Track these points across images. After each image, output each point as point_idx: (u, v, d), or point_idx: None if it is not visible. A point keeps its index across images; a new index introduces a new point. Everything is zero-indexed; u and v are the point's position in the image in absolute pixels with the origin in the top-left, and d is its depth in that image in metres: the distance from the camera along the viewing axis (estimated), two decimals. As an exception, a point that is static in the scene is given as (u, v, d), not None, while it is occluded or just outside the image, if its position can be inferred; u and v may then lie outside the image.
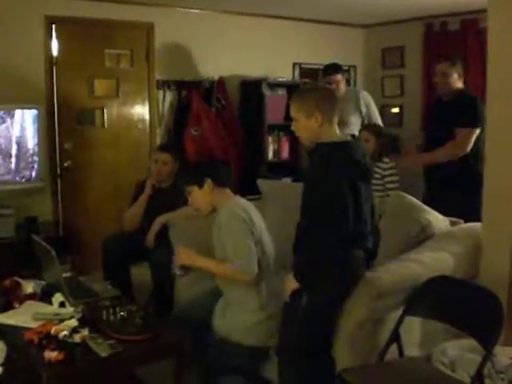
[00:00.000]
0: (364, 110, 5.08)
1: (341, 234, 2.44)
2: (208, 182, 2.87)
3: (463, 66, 4.29)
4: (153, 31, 5.45)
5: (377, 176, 4.32)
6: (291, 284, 2.56)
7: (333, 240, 2.43)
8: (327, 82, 5.13)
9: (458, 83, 4.23)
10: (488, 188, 3.07)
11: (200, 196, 2.91)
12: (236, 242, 2.73)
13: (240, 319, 2.82)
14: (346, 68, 6.83)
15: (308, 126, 2.59)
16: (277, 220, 3.65)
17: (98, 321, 2.64)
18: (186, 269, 2.97)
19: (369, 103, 5.14)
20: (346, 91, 5.18)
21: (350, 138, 2.67)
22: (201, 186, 2.88)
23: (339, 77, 5.12)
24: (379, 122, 5.15)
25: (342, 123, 4.81)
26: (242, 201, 2.91)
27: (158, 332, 2.57)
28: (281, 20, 6.29)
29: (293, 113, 2.64)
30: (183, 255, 2.95)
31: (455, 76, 4.22)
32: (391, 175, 4.30)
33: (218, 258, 2.85)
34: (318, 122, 2.56)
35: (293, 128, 2.69)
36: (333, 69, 5.17)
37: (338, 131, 2.64)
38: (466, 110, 4.02)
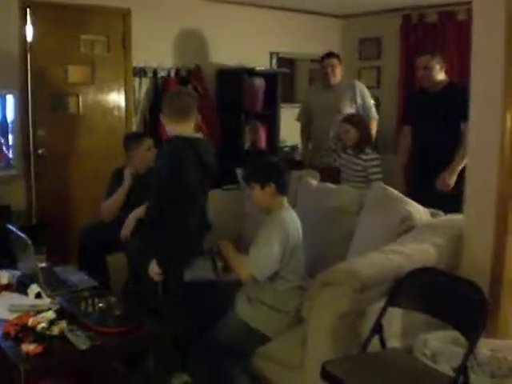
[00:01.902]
0: (359, 101, 5.03)
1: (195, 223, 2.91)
2: (271, 186, 2.92)
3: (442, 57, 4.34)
4: (129, 17, 5.35)
5: (358, 168, 4.31)
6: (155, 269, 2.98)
7: (192, 228, 2.89)
8: (323, 67, 5.10)
9: (440, 75, 4.26)
10: (470, 179, 3.08)
11: (259, 195, 2.96)
12: (265, 244, 2.83)
13: (258, 310, 2.90)
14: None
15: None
16: (259, 214, 3.59)
17: (76, 312, 2.58)
18: (226, 270, 2.97)
19: (364, 95, 5.09)
20: (342, 82, 5.13)
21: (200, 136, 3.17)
22: (263, 187, 2.92)
23: (334, 61, 5.07)
24: (373, 114, 5.11)
25: (336, 111, 4.81)
26: (295, 215, 2.99)
27: (139, 323, 2.52)
28: (258, 9, 6.25)
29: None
30: (223, 247, 3.01)
31: (437, 68, 4.26)
32: (374, 166, 4.29)
33: None
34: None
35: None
36: (328, 54, 5.17)
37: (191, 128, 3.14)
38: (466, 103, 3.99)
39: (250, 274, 2.84)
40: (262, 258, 2.84)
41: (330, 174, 4.46)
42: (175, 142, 3.06)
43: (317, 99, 5.19)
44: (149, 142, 4.16)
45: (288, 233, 2.86)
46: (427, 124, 4.28)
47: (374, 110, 5.17)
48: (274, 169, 3.00)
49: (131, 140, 4.27)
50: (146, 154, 4.09)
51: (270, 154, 5.86)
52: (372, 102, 5.22)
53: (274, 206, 2.95)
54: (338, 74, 5.08)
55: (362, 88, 5.13)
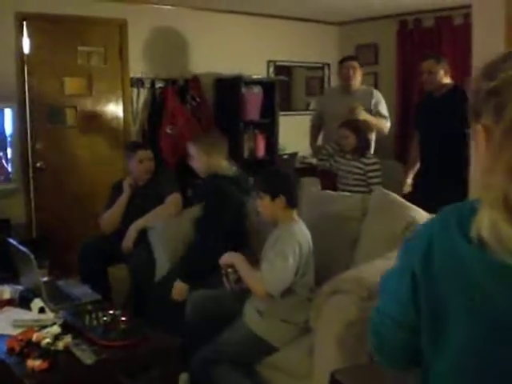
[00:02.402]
0: (373, 108, 4.97)
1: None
2: (281, 198, 2.87)
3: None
4: (126, 28, 5.35)
5: (359, 172, 4.31)
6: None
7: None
8: (344, 68, 5.05)
9: (445, 79, 4.27)
10: (474, 184, 3.07)
11: (269, 207, 2.91)
12: (276, 261, 2.76)
13: (267, 321, 2.87)
14: (321, 65, 6.83)
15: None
16: (260, 222, 3.57)
17: (80, 327, 2.55)
18: (240, 281, 2.89)
19: (378, 102, 5.01)
20: (360, 88, 5.08)
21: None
22: (273, 198, 2.87)
23: (355, 63, 5.02)
24: (383, 124, 4.99)
25: (347, 117, 4.76)
26: (304, 227, 2.94)
27: (144, 337, 2.50)
28: (255, 17, 6.25)
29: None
30: (230, 255, 2.94)
31: (441, 72, 4.26)
32: (374, 171, 4.29)
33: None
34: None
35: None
36: (348, 57, 5.18)
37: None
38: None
39: (265, 290, 2.77)
40: (277, 274, 2.76)
41: (328, 178, 4.45)
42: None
43: (332, 104, 5.10)
44: (141, 153, 4.08)
45: (301, 246, 2.82)
46: (433, 127, 4.28)
47: (384, 117, 5.06)
48: (285, 181, 2.96)
49: (127, 149, 4.26)
50: (138, 165, 4.06)
51: (281, 166, 5.87)
52: (387, 113, 5.10)
53: (283, 219, 2.90)
54: (358, 78, 5.02)
55: (379, 98, 5.05)
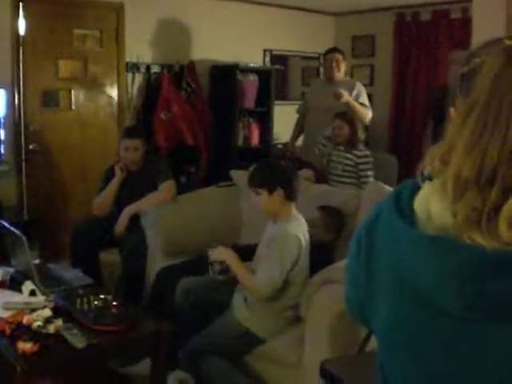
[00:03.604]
0: (354, 99, 4.95)
1: None
2: (279, 192, 2.80)
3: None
4: (123, 11, 5.30)
5: (350, 163, 4.32)
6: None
7: None
8: (327, 60, 5.07)
9: None
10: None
11: (267, 201, 2.83)
12: (275, 265, 2.72)
13: (255, 312, 2.85)
14: (317, 56, 6.81)
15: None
16: (254, 212, 3.56)
17: (72, 310, 2.54)
18: (225, 272, 2.88)
19: (359, 94, 4.98)
20: (343, 79, 5.08)
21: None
22: (271, 192, 2.81)
23: (339, 56, 5.01)
24: (366, 112, 4.94)
25: (328, 108, 4.77)
26: (303, 221, 2.89)
27: (135, 322, 2.50)
28: (252, 5, 6.21)
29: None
30: (222, 251, 2.89)
31: None
32: (365, 163, 4.29)
33: (253, 265, 2.88)
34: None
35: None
36: (332, 49, 5.16)
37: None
38: None
39: (259, 291, 2.75)
40: (274, 279, 2.72)
41: (314, 170, 4.46)
42: None
43: (315, 94, 5.17)
44: (126, 142, 4.04)
45: (299, 241, 2.77)
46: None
47: (366, 109, 4.99)
48: (282, 174, 2.89)
49: (121, 134, 4.25)
50: (123, 153, 4.04)
51: (274, 155, 5.87)
52: (368, 103, 5.07)
53: (282, 213, 2.84)
54: (341, 70, 5.02)
55: (360, 90, 5.02)
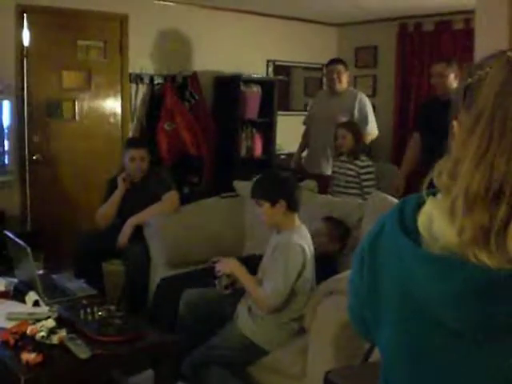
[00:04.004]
0: (356, 114, 4.91)
1: None
2: (281, 203, 2.79)
3: (459, 66, 4.27)
4: (127, 23, 5.34)
5: (352, 174, 4.32)
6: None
7: None
8: (329, 72, 5.07)
9: (455, 83, 4.20)
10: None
11: (269, 213, 2.82)
12: (280, 276, 2.70)
13: (259, 324, 2.84)
14: (320, 66, 6.83)
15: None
16: (257, 223, 3.57)
17: (75, 321, 2.54)
18: (232, 285, 2.88)
19: (363, 108, 4.95)
20: (346, 90, 5.07)
21: None
22: (273, 204, 2.79)
23: (340, 67, 4.98)
24: (368, 129, 4.91)
25: (330, 119, 4.77)
26: (306, 231, 2.88)
27: (139, 333, 2.49)
28: (255, 16, 6.24)
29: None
30: (229, 264, 2.89)
31: (452, 76, 4.21)
32: (367, 173, 4.29)
33: (259, 277, 2.87)
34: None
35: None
36: (333, 60, 5.13)
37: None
38: None
39: (267, 305, 2.74)
40: (280, 290, 2.71)
41: (322, 180, 4.46)
42: None
43: (319, 105, 5.18)
44: (132, 152, 4.05)
45: (304, 251, 2.76)
46: (433, 131, 4.24)
47: (372, 125, 5.00)
48: (284, 185, 2.87)
49: (125, 145, 4.26)
50: (128, 163, 4.04)
51: (277, 166, 5.86)
52: (372, 117, 5.03)
53: (285, 224, 2.83)
54: (343, 81, 5.00)
55: (363, 101, 4.99)
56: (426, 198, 0.90)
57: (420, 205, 0.90)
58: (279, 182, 2.90)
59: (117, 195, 4.05)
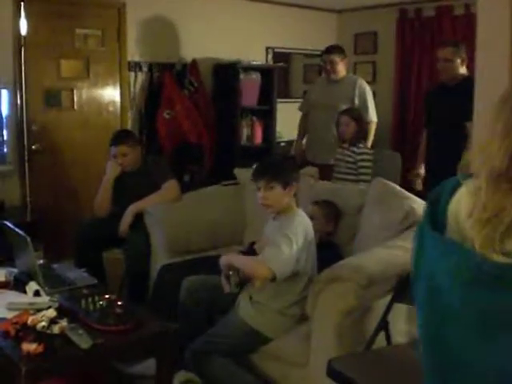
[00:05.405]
0: (357, 101, 4.86)
1: None
2: (294, 187, 2.81)
3: (466, 49, 4.11)
4: (124, 10, 5.29)
5: (351, 160, 4.31)
6: None
7: None
8: (323, 61, 5.04)
9: (461, 69, 4.10)
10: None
11: (280, 196, 2.80)
12: (282, 241, 2.66)
13: (261, 312, 2.83)
14: (319, 53, 6.77)
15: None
16: (259, 211, 3.54)
17: (77, 311, 2.53)
18: (240, 284, 2.82)
19: (363, 95, 4.90)
20: (345, 77, 5.02)
21: None
22: (285, 187, 2.79)
23: (334, 57, 4.92)
24: (370, 117, 4.88)
25: (332, 108, 4.73)
26: (305, 214, 2.88)
27: (140, 322, 2.48)
28: (254, 3, 6.20)
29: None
30: (223, 257, 2.85)
31: (458, 61, 4.08)
32: (363, 160, 4.29)
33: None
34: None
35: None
36: (327, 49, 5.02)
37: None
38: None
39: (269, 269, 2.62)
40: (282, 257, 2.65)
41: (326, 169, 4.44)
42: None
43: (317, 92, 5.14)
44: (113, 150, 4.04)
45: (306, 233, 2.76)
46: (443, 118, 4.15)
47: (372, 112, 4.96)
48: (294, 170, 2.93)
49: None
50: (122, 160, 4.03)
51: (277, 153, 5.85)
52: (372, 104, 4.99)
53: (289, 208, 2.82)
54: (338, 71, 4.94)
55: (363, 88, 4.94)
56: (463, 180, 0.93)
57: (456, 188, 0.94)
58: (290, 167, 2.93)
59: (105, 181, 4.04)
